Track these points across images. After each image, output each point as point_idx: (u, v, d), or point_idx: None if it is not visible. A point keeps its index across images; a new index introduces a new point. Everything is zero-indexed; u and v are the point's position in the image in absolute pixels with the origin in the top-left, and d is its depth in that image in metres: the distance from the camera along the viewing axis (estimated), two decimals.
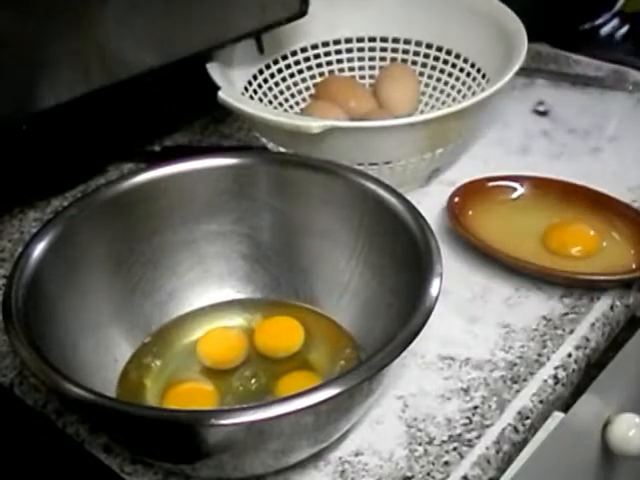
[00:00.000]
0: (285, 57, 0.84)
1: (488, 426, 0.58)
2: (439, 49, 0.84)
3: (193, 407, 0.55)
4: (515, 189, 0.74)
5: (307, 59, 0.85)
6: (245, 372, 0.60)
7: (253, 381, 0.60)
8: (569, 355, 0.63)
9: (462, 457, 0.56)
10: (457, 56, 0.83)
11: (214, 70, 0.73)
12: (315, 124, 0.67)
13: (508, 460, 0.58)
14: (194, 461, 0.52)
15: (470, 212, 0.72)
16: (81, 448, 0.57)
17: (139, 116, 0.83)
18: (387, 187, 0.61)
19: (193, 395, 0.59)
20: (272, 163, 0.65)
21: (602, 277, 0.67)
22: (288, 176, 0.64)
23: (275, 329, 0.63)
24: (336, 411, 0.52)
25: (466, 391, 0.60)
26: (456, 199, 0.72)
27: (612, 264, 0.68)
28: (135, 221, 0.62)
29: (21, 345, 0.51)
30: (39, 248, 0.57)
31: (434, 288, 0.54)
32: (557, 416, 0.63)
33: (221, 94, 0.70)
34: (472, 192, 0.73)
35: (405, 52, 0.86)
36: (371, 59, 0.87)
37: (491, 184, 0.74)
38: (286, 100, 0.84)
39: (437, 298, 0.53)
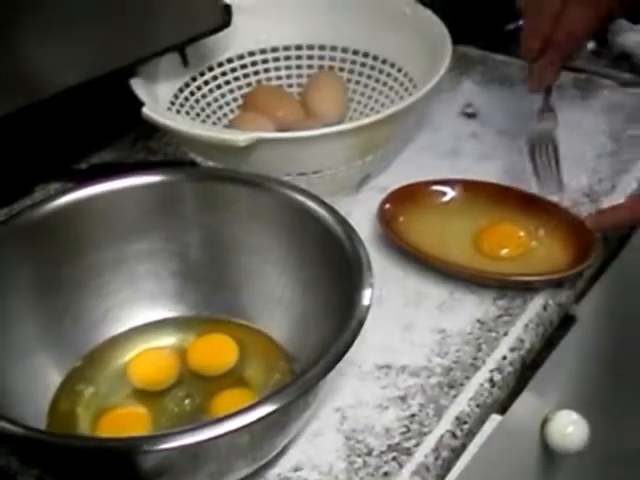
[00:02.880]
0: (211, 68, 0.83)
1: (426, 434, 0.58)
2: (366, 55, 0.84)
3: (126, 433, 0.54)
4: (446, 193, 0.75)
5: (234, 70, 0.84)
6: (179, 392, 0.59)
7: (187, 401, 0.59)
8: (504, 357, 0.63)
9: (401, 467, 0.56)
10: (384, 62, 0.83)
11: (138, 86, 0.72)
12: (242, 137, 0.67)
13: (447, 467, 0.58)
14: None
15: (401, 218, 0.72)
16: None
17: (66, 134, 0.81)
18: (315, 198, 0.60)
19: (126, 420, 0.58)
20: (198, 179, 0.64)
21: (534, 277, 0.68)
22: (215, 191, 0.63)
23: (208, 347, 0.62)
24: (272, 428, 0.51)
25: (403, 399, 0.60)
26: (387, 205, 0.72)
27: (543, 264, 0.69)
28: (61, 243, 0.61)
29: None
30: None
31: (365, 299, 0.54)
32: (494, 419, 0.63)
33: (145, 110, 0.69)
34: (403, 198, 0.73)
35: (332, 59, 0.85)
36: (298, 67, 0.86)
37: (422, 189, 0.74)
38: (214, 112, 0.83)
39: (369, 308, 0.53)
